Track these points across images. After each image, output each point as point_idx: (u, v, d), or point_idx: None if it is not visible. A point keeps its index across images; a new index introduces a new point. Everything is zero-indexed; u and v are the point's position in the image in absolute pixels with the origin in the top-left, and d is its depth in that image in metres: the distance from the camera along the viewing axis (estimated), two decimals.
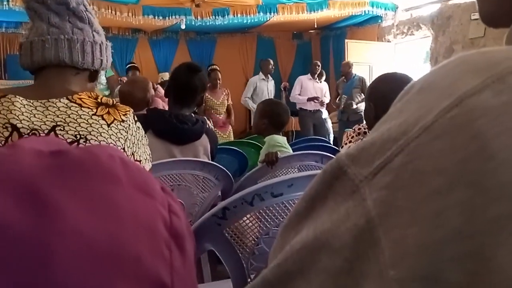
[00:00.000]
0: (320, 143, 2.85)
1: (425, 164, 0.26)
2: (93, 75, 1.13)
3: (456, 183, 0.24)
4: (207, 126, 2.01)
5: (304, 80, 6.21)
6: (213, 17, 5.75)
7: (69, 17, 1.05)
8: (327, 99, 6.14)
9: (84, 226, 0.25)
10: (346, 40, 6.97)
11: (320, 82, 6.22)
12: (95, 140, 1.00)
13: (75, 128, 0.99)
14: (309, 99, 5.94)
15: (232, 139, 5.17)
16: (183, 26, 5.89)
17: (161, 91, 2.83)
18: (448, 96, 0.27)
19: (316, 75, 6.16)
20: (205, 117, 2.27)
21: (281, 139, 2.32)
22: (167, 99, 2.06)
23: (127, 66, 6.00)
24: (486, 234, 0.23)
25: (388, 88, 1.43)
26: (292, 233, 0.32)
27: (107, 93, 5.56)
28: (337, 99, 5.94)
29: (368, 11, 6.22)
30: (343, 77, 5.90)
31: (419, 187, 0.25)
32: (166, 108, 2.49)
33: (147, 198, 0.29)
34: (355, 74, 5.82)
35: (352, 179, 0.29)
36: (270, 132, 2.36)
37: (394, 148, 0.27)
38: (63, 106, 1.00)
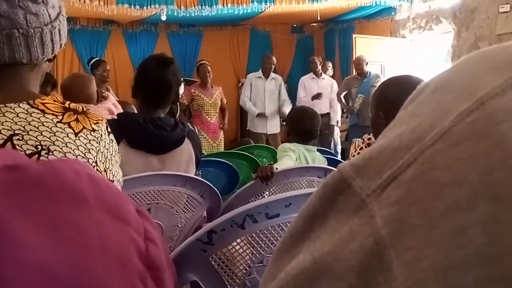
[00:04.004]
0: (324, 155, 2.85)
1: (442, 175, 0.26)
2: (52, 58, 1.08)
3: (478, 196, 0.25)
4: (189, 128, 2.01)
5: (307, 81, 6.29)
6: (199, 6, 5.78)
7: (19, 0, 0.95)
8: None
9: (44, 255, 0.24)
10: (354, 35, 7.03)
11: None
12: (60, 152, 0.98)
13: (36, 137, 0.97)
14: (313, 98, 6.00)
15: (222, 148, 5.15)
16: (163, 17, 5.92)
17: (112, 105, 2.82)
18: (467, 98, 0.27)
19: (319, 73, 6.24)
20: (188, 124, 2.27)
21: (295, 146, 2.36)
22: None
23: (93, 62, 5.21)
24: None
25: (401, 94, 1.43)
26: (286, 258, 0.32)
27: None
28: (342, 96, 5.93)
29: (380, 1, 6.29)
30: (356, 74, 5.91)
31: (435, 202, 0.26)
32: None
33: (119, 223, 0.28)
34: (369, 71, 5.85)
35: (357, 193, 0.29)
36: (293, 141, 2.44)
37: (406, 157, 0.27)
38: (22, 112, 0.98)
